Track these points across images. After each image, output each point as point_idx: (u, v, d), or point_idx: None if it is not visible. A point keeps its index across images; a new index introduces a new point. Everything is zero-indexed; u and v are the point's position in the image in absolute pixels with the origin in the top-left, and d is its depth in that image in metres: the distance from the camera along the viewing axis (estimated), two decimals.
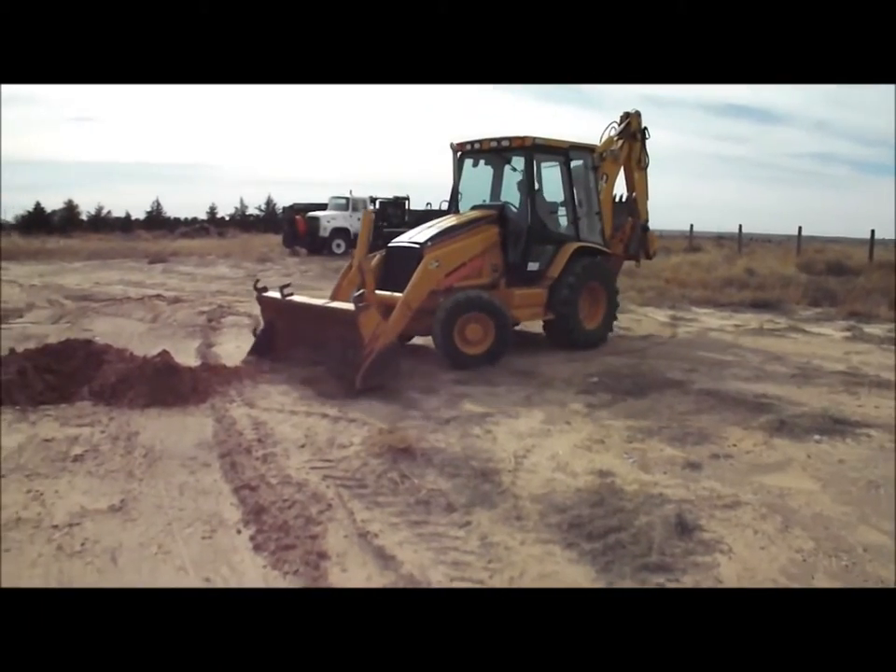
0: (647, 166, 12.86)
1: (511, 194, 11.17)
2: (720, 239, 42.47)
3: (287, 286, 9.40)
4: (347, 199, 33.13)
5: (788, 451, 6.19)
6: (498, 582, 4.02)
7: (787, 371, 9.38)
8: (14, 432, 6.58)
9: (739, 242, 32.88)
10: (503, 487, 5.34)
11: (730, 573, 4.12)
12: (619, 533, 4.54)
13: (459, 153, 11.39)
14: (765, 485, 5.42)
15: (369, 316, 8.15)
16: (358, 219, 28.14)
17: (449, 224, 10.30)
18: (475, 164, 11.46)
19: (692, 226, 37.16)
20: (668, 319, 14.24)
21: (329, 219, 32.16)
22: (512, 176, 11.11)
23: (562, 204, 11.24)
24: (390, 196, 33.08)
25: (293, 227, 33.66)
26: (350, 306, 8.23)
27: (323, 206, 34.36)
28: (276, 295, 9.26)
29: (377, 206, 31.99)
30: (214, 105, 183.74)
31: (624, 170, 12.61)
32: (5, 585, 3.98)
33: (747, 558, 4.30)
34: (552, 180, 11.19)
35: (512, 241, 10.43)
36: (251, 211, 77.21)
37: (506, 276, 10.38)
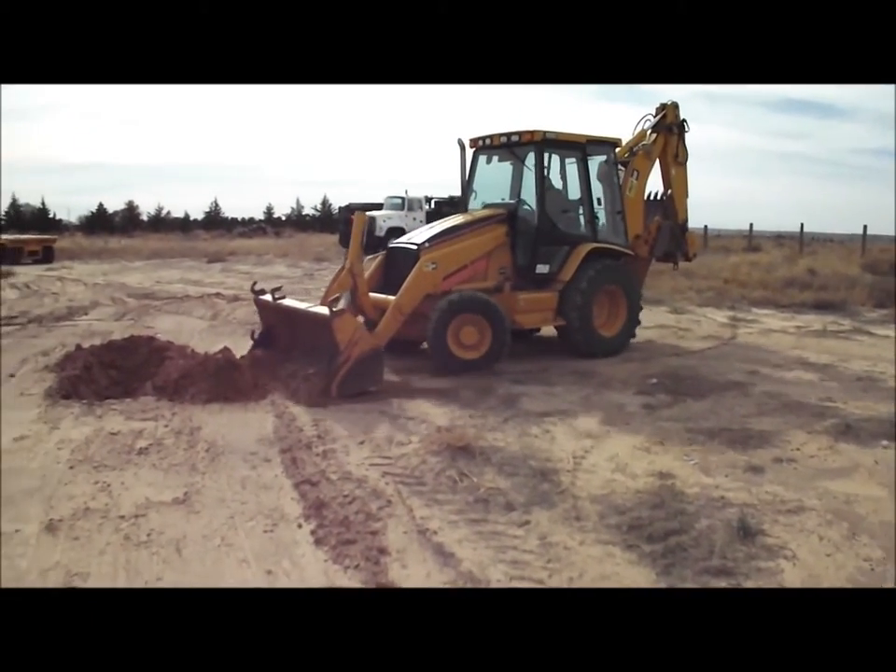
0: (685, 161, 11.97)
1: (530, 192, 10.41)
2: (779, 238, 41.63)
3: (279, 288, 9.32)
4: (403, 198, 33.19)
5: (854, 456, 6.05)
6: (557, 582, 4.01)
7: (852, 374, 9.18)
8: (81, 425, 6.76)
9: (801, 241, 32.29)
10: (562, 487, 5.33)
11: (794, 579, 4.05)
12: (680, 536, 4.50)
13: (473, 149, 10.96)
14: (830, 491, 5.31)
15: (345, 322, 7.95)
16: (414, 219, 28.27)
17: (452, 224, 10.00)
18: (489, 161, 10.95)
19: (751, 225, 36.18)
20: (728, 320, 14.01)
21: (385, 219, 32.25)
22: (531, 173, 10.46)
23: (580, 203, 10.65)
24: (445, 195, 33.10)
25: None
26: (326, 311, 8.01)
27: (379, 206, 34.49)
28: (269, 298, 9.12)
29: (433, 206, 32.03)
30: (270, 106, 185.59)
31: (660, 165, 11.82)
32: (74, 571, 4.11)
33: (812, 565, 4.22)
34: (574, 177, 10.75)
35: (521, 242, 10.00)
36: (307, 211, 78.04)
37: (514, 279, 9.92)
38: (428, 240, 9.43)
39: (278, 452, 6.07)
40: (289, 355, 8.70)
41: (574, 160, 10.60)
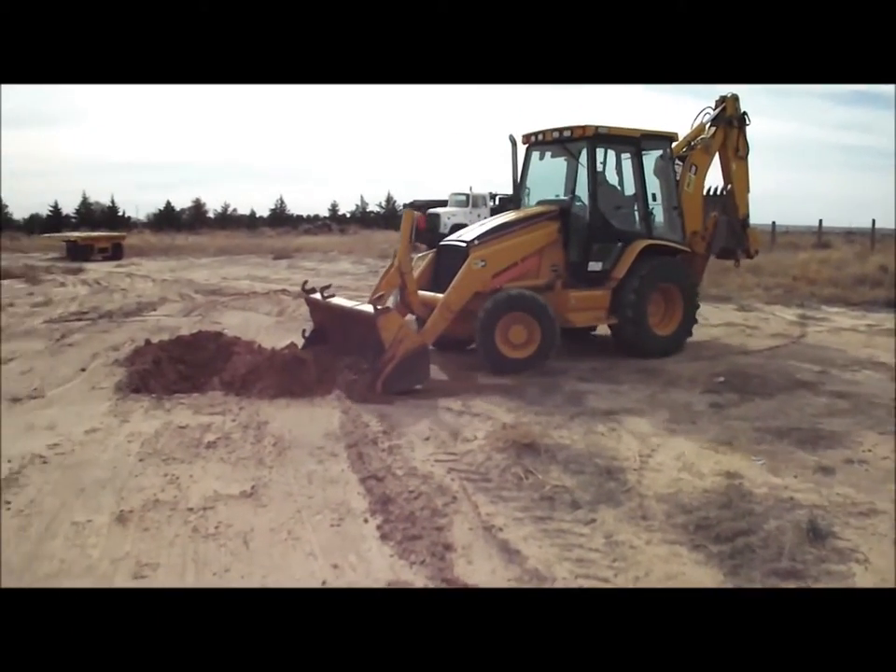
0: (746, 155, 11.55)
1: (583, 188, 10.12)
2: (850, 234, 40.60)
3: (328, 286, 9.37)
4: (467, 195, 33.16)
5: None
6: (623, 582, 3.98)
7: None
8: (151, 419, 6.91)
9: (872, 237, 31.33)
10: (628, 486, 5.29)
11: (866, 583, 3.96)
12: (748, 536, 4.42)
13: (526, 145, 10.81)
14: None
15: (389, 320, 7.94)
16: (479, 216, 28.21)
17: (503, 221, 9.90)
18: (542, 157, 10.84)
19: (820, 221, 35.46)
20: (797, 318, 13.73)
21: (450, 216, 32.22)
22: (584, 169, 10.14)
23: (634, 198, 10.37)
24: (510, 192, 32.94)
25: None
26: (371, 309, 8.01)
27: (443, 203, 34.52)
28: (319, 297, 9.15)
29: (497, 202, 31.96)
30: (336, 105, 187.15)
31: (720, 160, 11.47)
32: (144, 561, 4.19)
33: (884, 569, 4.11)
34: (628, 172, 10.49)
35: (574, 239, 9.81)
36: (371, 208, 78.52)
37: (567, 277, 9.74)
38: (478, 237, 9.36)
39: (344, 447, 6.12)
40: (341, 352, 8.70)
41: (629, 155, 10.38)
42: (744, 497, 5.02)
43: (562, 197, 10.45)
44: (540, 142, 10.59)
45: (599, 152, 10.02)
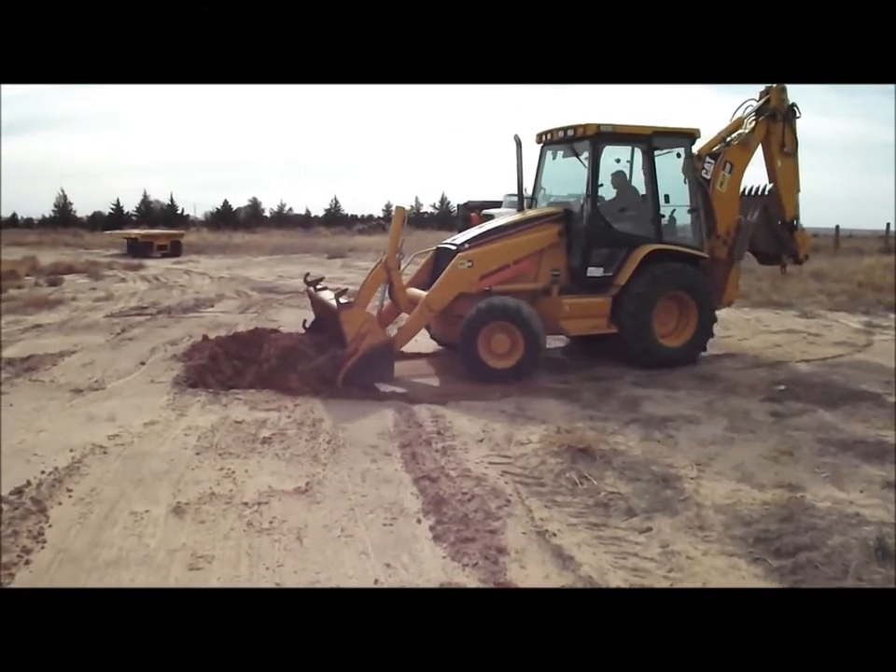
0: (794, 152, 10.54)
1: (605, 187, 9.73)
2: None
3: (321, 279, 9.45)
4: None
5: None
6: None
7: None
8: (208, 413, 6.98)
9: None
10: (685, 495, 5.19)
11: None
12: (810, 552, 4.27)
13: (540, 144, 10.44)
14: None
15: (353, 314, 7.97)
16: None
17: (500, 223, 9.62)
18: (554, 157, 10.40)
19: (888, 224, 34.45)
20: (862, 326, 13.30)
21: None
22: (607, 168, 9.72)
23: (643, 200, 9.79)
24: (565, 193, 32.73)
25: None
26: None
27: (497, 204, 34.43)
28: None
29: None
30: (390, 106, 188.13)
31: (764, 156, 10.56)
32: (200, 553, 4.24)
33: None
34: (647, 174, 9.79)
35: (576, 242, 9.37)
36: (425, 208, 78.71)
37: (569, 282, 9.35)
38: (469, 241, 9.16)
39: (398, 446, 6.12)
40: (334, 342, 8.65)
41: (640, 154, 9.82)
42: (806, 511, 4.87)
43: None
44: (550, 141, 10.28)
45: (608, 152, 9.65)
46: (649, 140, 9.58)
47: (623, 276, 9.27)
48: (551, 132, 10.09)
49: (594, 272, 9.36)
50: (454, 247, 9.14)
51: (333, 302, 8.30)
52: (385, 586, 3.90)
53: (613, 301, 9.31)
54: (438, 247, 9.80)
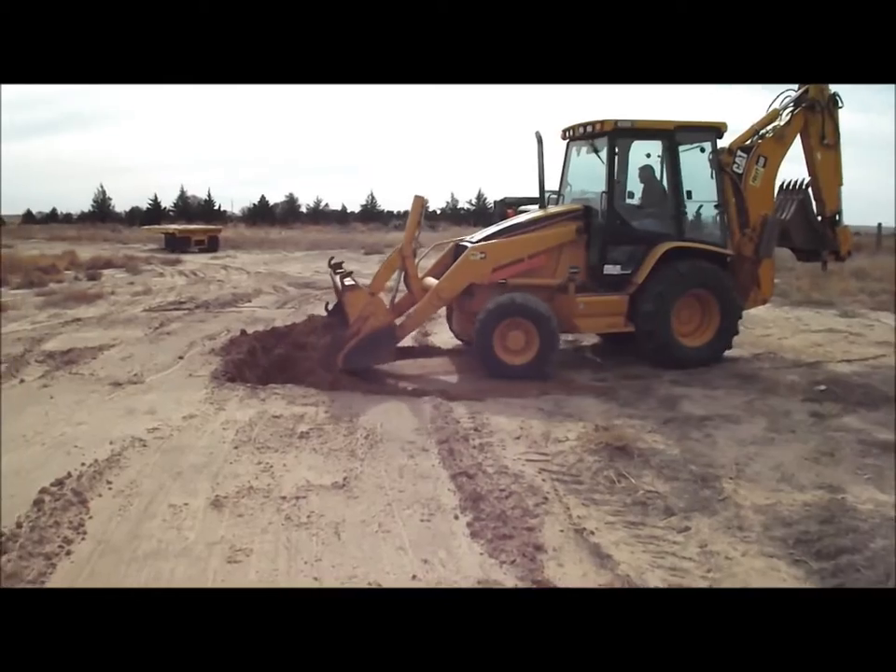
0: (835, 144, 10.03)
1: (633, 184, 9.67)
2: None
3: (341, 263, 9.47)
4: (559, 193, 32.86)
5: None
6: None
7: None
8: (246, 407, 7.03)
9: None
10: (724, 495, 5.14)
11: None
12: (852, 555, 4.21)
13: (565, 141, 10.33)
14: None
15: (356, 296, 8.06)
16: None
17: (519, 220, 9.68)
18: (578, 153, 10.23)
19: None
20: None
21: None
22: (635, 164, 9.71)
23: (663, 196, 9.63)
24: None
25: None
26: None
27: (535, 200, 34.30)
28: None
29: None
30: (425, 103, 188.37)
31: (803, 149, 10.12)
32: (238, 546, 4.27)
33: None
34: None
35: (594, 239, 9.29)
36: (462, 205, 78.60)
37: (587, 280, 9.27)
38: (485, 237, 9.24)
39: (435, 442, 6.13)
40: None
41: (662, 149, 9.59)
42: (847, 513, 4.80)
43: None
44: (574, 137, 10.14)
45: (634, 147, 9.63)
46: (671, 135, 9.40)
47: (641, 274, 9.15)
48: (573, 127, 9.98)
49: (611, 269, 9.30)
50: (469, 245, 9.17)
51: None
52: (423, 585, 3.91)
53: (631, 300, 9.22)
54: (457, 243, 9.80)
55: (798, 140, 10.10)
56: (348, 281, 8.41)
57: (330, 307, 9.48)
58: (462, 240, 9.74)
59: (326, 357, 8.10)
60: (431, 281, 9.24)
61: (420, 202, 9.08)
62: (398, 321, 8.86)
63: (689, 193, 9.47)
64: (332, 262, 9.92)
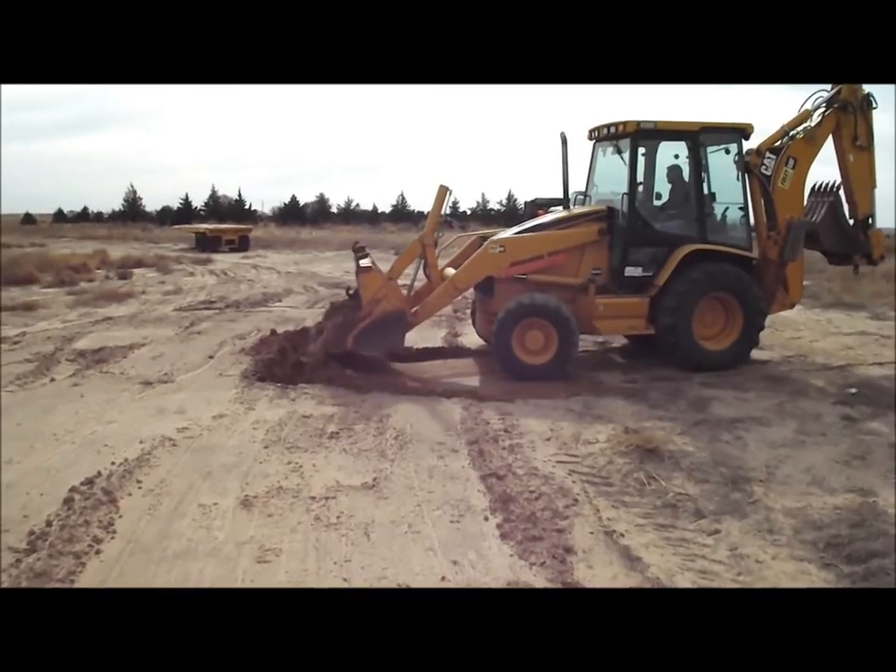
0: (868, 146, 9.80)
1: (661, 184, 9.68)
2: None
3: (363, 248, 9.49)
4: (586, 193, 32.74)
5: None
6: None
7: None
8: (276, 407, 7.08)
9: None
10: (754, 497, 5.12)
11: None
12: (883, 559, 4.19)
13: (592, 141, 10.28)
14: None
15: (371, 278, 8.15)
16: None
17: (543, 220, 9.68)
18: (604, 154, 10.14)
19: None
20: None
21: None
22: (662, 165, 9.68)
23: (686, 198, 9.50)
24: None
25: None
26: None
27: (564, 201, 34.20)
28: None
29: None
30: (455, 105, 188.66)
31: (835, 150, 9.91)
32: (268, 546, 4.29)
33: None
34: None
35: (616, 241, 9.24)
36: (492, 205, 78.45)
37: (609, 281, 9.23)
38: (508, 236, 9.26)
39: (465, 443, 6.14)
40: None
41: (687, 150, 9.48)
42: (879, 517, 4.78)
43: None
44: (599, 138, 10.08)
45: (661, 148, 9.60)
46: (695, 136, 9.29)
47: (663, 276, 9.07)
48: (599, 128, 9.93)
49: (632, 271, 9.24)
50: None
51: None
52: (453, 586, 3.92)
53: (652, 302, 9.16)
54: (480, 236, 9.88)
55: (830, 141, 9.91)
56: (364, 262, 8.49)
57: (352, 291, 9.47)
58: (485, 233, 9.78)
59: (335, 337, 8.19)
60: (450, 271, 9.29)
61: (444, 191, 9.15)
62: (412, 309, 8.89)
63: (713, 195, 9.42)
64: (356, 246, 9.98)
